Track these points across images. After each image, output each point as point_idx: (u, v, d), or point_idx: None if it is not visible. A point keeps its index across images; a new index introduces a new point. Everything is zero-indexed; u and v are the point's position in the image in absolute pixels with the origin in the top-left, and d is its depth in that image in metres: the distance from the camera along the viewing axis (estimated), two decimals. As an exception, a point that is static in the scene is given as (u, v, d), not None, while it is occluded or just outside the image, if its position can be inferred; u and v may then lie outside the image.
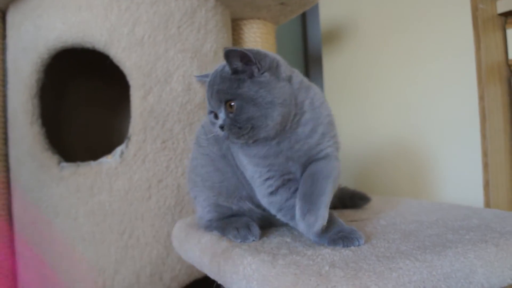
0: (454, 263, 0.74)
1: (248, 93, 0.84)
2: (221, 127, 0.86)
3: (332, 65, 2.45)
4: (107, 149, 1.48)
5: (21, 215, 1.54)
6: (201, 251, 0.98)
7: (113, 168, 1.39)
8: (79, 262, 1.40)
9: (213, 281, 0.95)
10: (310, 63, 2.68)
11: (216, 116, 0.90)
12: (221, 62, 1.57)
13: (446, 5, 1.79)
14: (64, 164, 1.44)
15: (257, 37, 1.89)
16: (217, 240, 0.97)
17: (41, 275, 1.46)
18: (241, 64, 0.84)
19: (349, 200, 1.29)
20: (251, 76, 0.84)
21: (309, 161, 0.91)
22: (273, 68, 0.86)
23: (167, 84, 1.44)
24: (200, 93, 1.50)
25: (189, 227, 1.13)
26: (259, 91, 0.84)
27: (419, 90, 1.92)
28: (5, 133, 1.61)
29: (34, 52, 1.46)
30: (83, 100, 1.92)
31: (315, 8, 2.53)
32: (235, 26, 1.88)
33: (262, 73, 0.85)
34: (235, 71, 0.85)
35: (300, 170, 0.91)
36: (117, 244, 1.39)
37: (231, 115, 0.85)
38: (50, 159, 1.44)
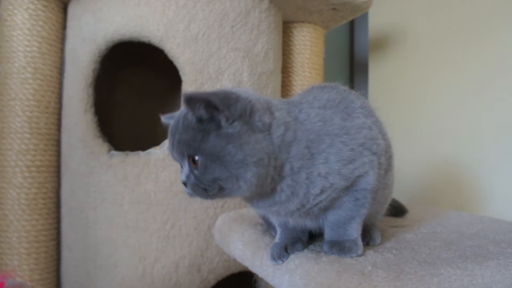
0: (495, 274, 0.74)
1: (214, 149, 0.68)
2: (184, 184, 0.72)
3: (379, 73, 2.44)
4: (154, 141, 1.52)
5: (68, 199, 1.60)
6: (244, 244, 0.99)
7: (160, 159, 1.43)
8: (122, 248, 1.44)
9: (249, 277, 0.96)
10: (356, 70, 2.68)
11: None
12: (271, 63, 1.61)
13: (497, 16, 1.77)
14: (114, 152, 1.49)
15: (307, 41, 1.91)
16: (260, 235, 0.99)
17: (83, 258, 1.52)
18: (206, 112, 0.69)
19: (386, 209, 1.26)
20: (218, 126, 0.69)
21: (310, 212, 0.80)
22: (246, 116, 0.70)
23: (218, 81, 1.47)
24: (249, 92, 1.52)
25: (232, 221, 1.15)
26: (227, 147, 0.68)
27: (467, 101, 1.90)
28: (59, 119, 1.67)
29: (92, 43, 1.51)
30: (134, 91, 1.97)
31: (364, 15, 2.53)
32: (286, 29, 1.91)
33: (232, 123, 0.69)
34: (199, 120, 0.70)
35: (304, 220, 0.84)
36: (159, 233, 1.43)
37: (195, 171, 0.70)
38: (100, 146, 1.50)
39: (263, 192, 0.75)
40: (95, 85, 1.57)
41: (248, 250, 0.96)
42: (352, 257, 0.78)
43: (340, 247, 0.79)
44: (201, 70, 1.45)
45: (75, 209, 1.55)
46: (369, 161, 0.79)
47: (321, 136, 0.76)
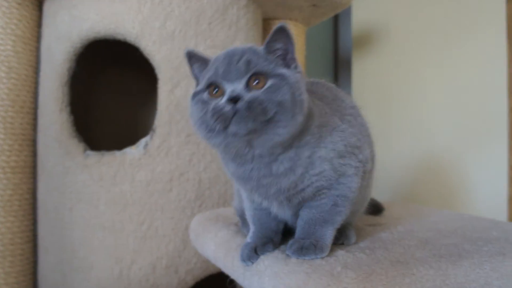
0: (469, 274, 0.73)
1: (290, 78, 0.70)
2: (234, 100, 0.68)
3: (362, 69, 2.44)
4: (133, 140, 1.49)
5: (44, 200, 1.57)
6: (217, 245, 0.98)
7: (136, 159, 1.41)
8: (98, 249, 1.42)
9: (227, 277, 0.95)
10: (340, 67, 2.67)
11: (217, 91, 0.72)
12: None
13: (480, 14, 1.76)
14: (89, 152, 1.47)
15: (287, 38, 1.89)
16: (232, 235, 0.98)
17: (60, 260, 1.49)
18: (283, 49, 0.74)
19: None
20: (287, 67, 0.74)
21: (294, 198, 0.79)
22: (302, 75, 0.75)
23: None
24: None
25: (207, 221, 1.13)
26: (298, 83, 0.71)
27: (448, 98, 1.90)
28: (35, 119, 1.64)
29: (67, 41, 1.48)
30: (113, 90, 1.95)
31: (348, 11, 2.52)
32: (266, 26, 1.89)
33: (296, 72, 0.74)
34: (271, 51, 0.74)
35: (285, 208, 0.82)
36: (136, 234, 1.41)
37: (255, 91, 0.69)
38: (76, 146, 1.47)
39: (262, 157, 0.74)
40: (73, 84, 1.54)
41: (220, 251, 0.96)
42: (310, 258, 0.75)
43: (298, 246, 0.76)
44: (177, 68, 1.43)
45: (51, 210, 1.53)
46: (355, 167, 0.80)
47: (326, 123, 0.79)
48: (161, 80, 1.43)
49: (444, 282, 0.70)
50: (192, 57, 0.80)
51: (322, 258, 0.76)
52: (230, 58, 0.73)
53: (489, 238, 0.92)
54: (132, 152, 1.42)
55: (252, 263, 0.80)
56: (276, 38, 0.73)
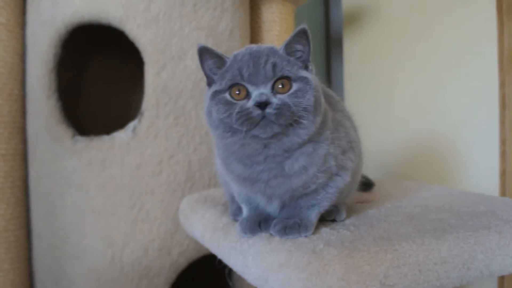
0: (453, 248, 0.73)
1: (311, 80, 0.72)
2: (264, 105, 0.68)
3: (353, 48, 2.42)
4: (124, 124, 1.49)
5: (36, 186, 1.58)
6: (204, 225, 0.98)
7: (125, 142, 1.41)
8: (89, 234, 1.43)
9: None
10: (331, 46, 2.65)
11: (240, 93, 0.72)
12: (237, 41, 1.58)
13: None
14: (78, 137, 1.46)
15: (276, 17, 1.87)
16: (219, 215, 0.98)
17: (52, 245, 1.50)
18: (302, 51, 0.75)
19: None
20: (306, 69, 0.75)
21: (297, 195, 0.80)
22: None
23: (181, 61, 1.44)
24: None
25: (195, 202, 1.14)
26: (318, 85, 0.74)
27: (439, 74, 1.88)
28: (24, 106, 1.63)
29: (52, 27, 1.47)
30: (102, 75, 1.93)
31: (338, -11, 2.50)
32: (254, 6, 1.87)
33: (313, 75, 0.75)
34: (290, 52, 0.74)
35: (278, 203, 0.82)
36: (127, 217, 1.41)
37: (280, 95, 0.70)
38: (64, 132, 1.47)
39: (275, 158, 0.74)
40: (61, 70, 1.53)
41: (207, 231, 0.96)
42: (294, 237, 0.76)
43: (282, 225, 0.77)
44: (163, 51, 1.42)
45: (43, 197, 1.53)
46: (352, 161, 0.82)
47: (334, 118, 0.81)
48: (147, 64, 1.42)
49: (427, 257, 0.70)
50: (205, 53, 0.78)
51: (306, 236, 0.76)
52: (256, 60, 0.72)
53: (475, 213, 0.92)
54: (121, 136, 1.42)
55: (253, 235, 0.80)
56: (297, 40, 0.73)
